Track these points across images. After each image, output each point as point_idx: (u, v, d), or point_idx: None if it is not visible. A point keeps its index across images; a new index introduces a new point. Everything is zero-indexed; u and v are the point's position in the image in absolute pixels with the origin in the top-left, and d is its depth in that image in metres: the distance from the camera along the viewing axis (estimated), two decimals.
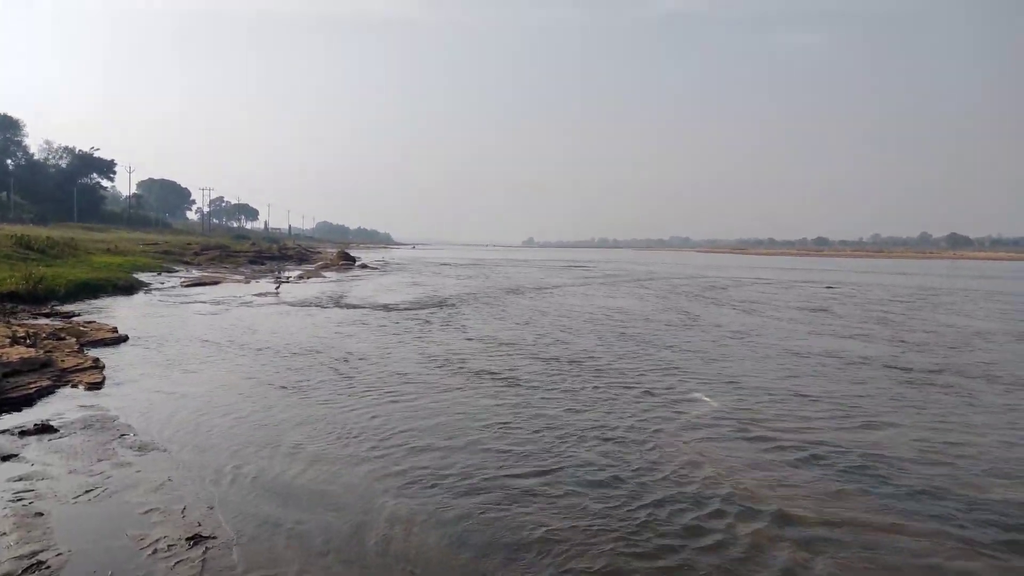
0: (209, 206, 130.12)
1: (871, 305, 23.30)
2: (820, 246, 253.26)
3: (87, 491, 5.11)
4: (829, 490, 5.49)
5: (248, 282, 28.75)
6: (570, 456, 6.19)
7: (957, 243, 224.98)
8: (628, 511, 4.98)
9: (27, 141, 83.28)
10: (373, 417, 7.37)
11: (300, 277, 33.41)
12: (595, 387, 9.09)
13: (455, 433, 6.85)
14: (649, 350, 12.30)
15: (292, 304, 19.64)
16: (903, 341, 14.15)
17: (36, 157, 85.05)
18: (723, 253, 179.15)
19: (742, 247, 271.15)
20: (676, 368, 10.61)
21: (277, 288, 25.99)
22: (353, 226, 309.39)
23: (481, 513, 4.91)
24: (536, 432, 6.93)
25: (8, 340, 9.62)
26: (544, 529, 4.66)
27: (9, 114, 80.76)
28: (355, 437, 6.64)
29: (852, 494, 5.41)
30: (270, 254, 50.51)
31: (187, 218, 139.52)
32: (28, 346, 9.50)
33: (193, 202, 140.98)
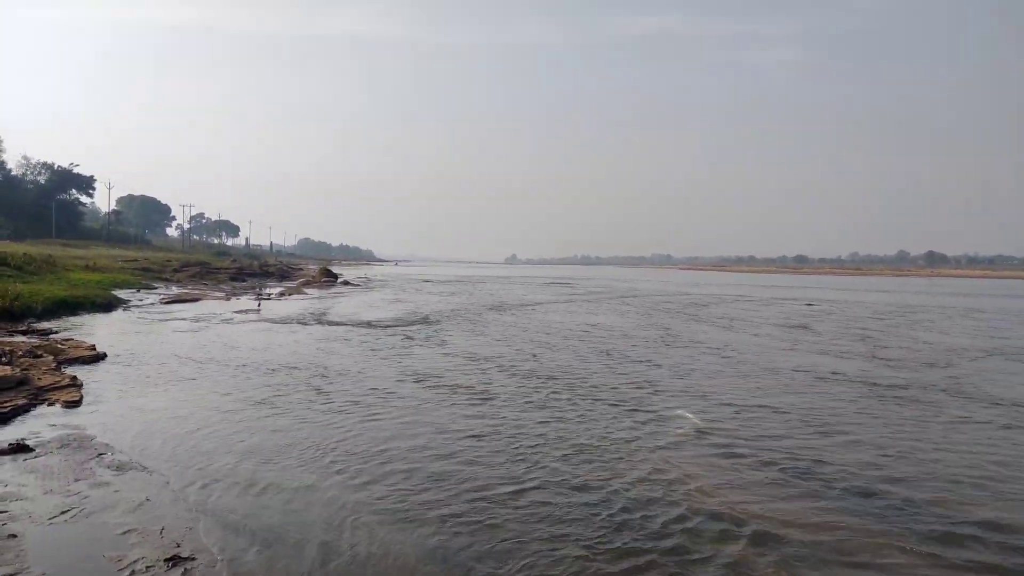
0: (189, 222, 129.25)
1: (850, 322, 23.57)
2: (800, 264, 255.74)
3: (63, 512, 5.02)
4: (810, 505, 5.53)
5: (229, 299, 28.52)
6: (549, 474, 6.19)
7: (934, 261, 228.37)
8: (607, 527, 4.99)
9: (4, 156, 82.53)
10: (355, 435, 7.33)
11: (282, 294, 33.20)
12: (577, 404, 9.11)
13: (434, 449, 6.83)
14: (631, 367, 12.35)
15: (274, 321, 19.50)
16: (880, 358, 14.33)
17: (14, 173, 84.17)
18: (704, 271, 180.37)
19: (723, 264, 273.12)
20: (659, 385, 10.66)
21: (258, 305, 25.82)
22: (335, 243, 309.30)
23: (457, 528, 4.89)
24: (514, 449, 6.92)
25: None
26: (519, 542, 4.65)
27: None
28: (336, 454, 6.60)
29: (833, 510, 5.46)
30: (251, 271, 50.22)
31: (167, 235, 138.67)
32: (3, 364, 9.36)
33: (173, 218, 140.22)
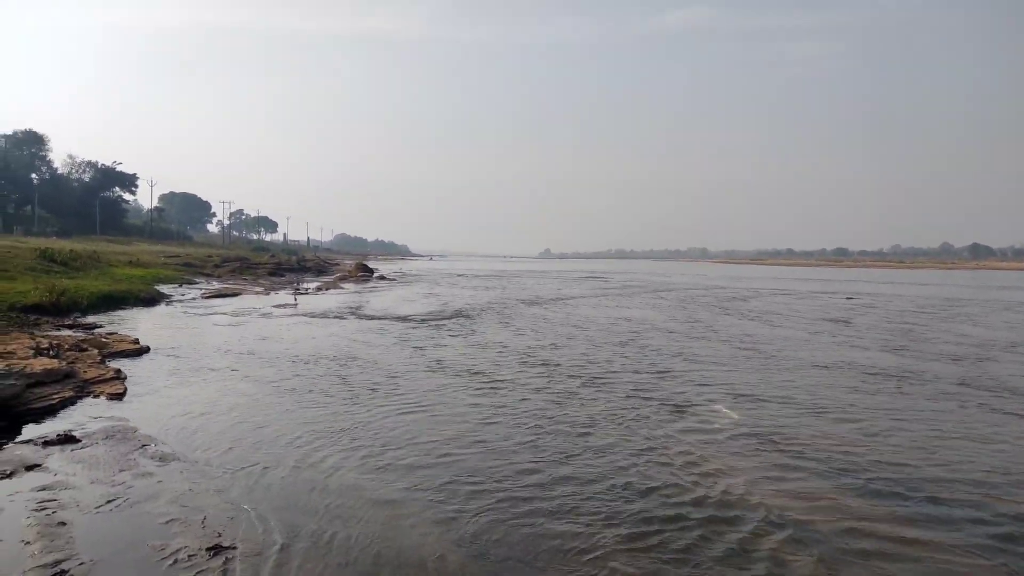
0: (229, 219, 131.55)
1: (892, 316, 23.01)
2: (840, 257, 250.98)
3: (109, 501, 5.14)
4: (849, 503, 5.41)
5: (267, 294, 28.97)
6: (590, 466, 6.15)
7: (979, 253, 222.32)
8: (652, 524, 4.94)
9: (51, 156, 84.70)
10: (392, 428, 7.38)
11: (319, 289, 33.61)
12: (615, 398, 9.04)
13: (475, 443, 6.84)
14: (669, 361, 12.22)
15: (311, 315, 19.74)
16: (924, 352, 13.96)
17: (60, 171, 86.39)
18: (741, 264, 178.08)
19: (760, 258, 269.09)
20: (696, 380, 10.53)
21: (295, 300, 26.17)
22: (371, 238, 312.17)
23: (504, 527, 4.88)
24: (554, 442, 6.90)
25: (31, 351, 9.75)
26: (562, 540, 4.63)
27: (35, 129, 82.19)
28: (378, 448, 6.64)
29: (871, 507, 5.33)
30: (289, 266, 50.88)
31: (208, 231, 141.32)
32: (51, 357, 9.61)
33: (214, 215, 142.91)
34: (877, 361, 12.65)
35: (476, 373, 10.73)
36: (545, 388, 9.66)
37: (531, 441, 6.98)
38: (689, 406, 8.67)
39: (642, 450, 6.72)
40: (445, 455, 6.47)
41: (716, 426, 7.71)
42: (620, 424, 7.70)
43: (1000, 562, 4.48)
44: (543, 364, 11.68)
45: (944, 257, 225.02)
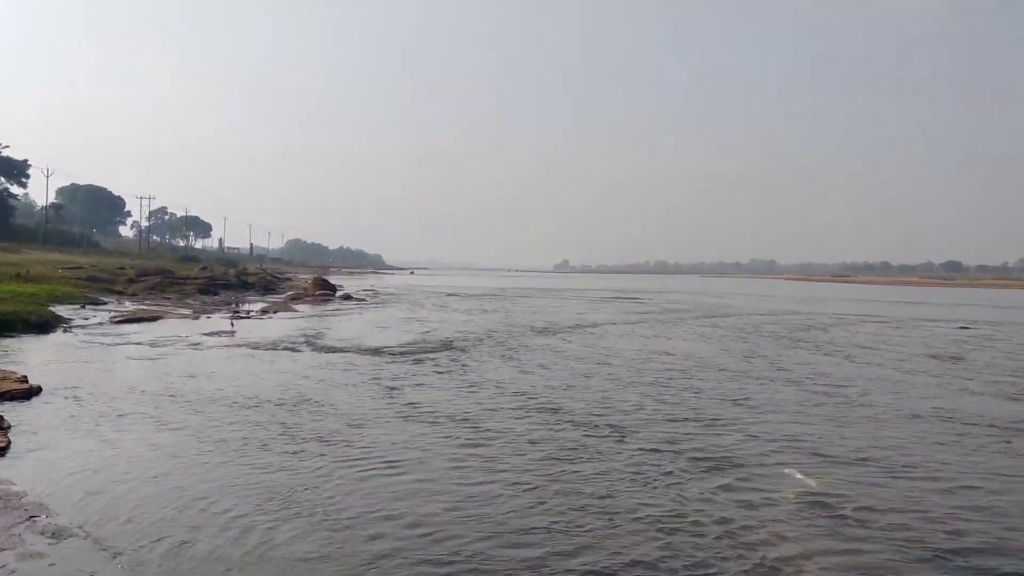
0: (149, 219, 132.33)
1: (1021, 352, 22.96)
2: (951, 272, 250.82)
3: None
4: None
5: (197, 317, 29.10)
6: (628, 553, 6.16)
7: None
8: None
9: None
10: (348, 493, 7.40)
11: (264, 312, 33.70)
12: (660, 458, 9.05)
13: (452, 512, 6.88)
14: (728, 410, 12.22)
15: (255, 346, 19.79)
16: None
17: None
18: (821, 281, 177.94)
19: (847, 273, 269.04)
20: (761, 434, 10.53)
21: (232, 325, 26.27)
22: (333, 245, 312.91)
23: None
24: (584, 519, 6.91)
25: None
26: None
27: None
28: (329, 519, 6.66)
29: None
30: (226, 281, 51.02)
31: (120, 235, 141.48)
32: None
33: (128, 214, 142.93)
34: (1005, 413, 12.61)
35: (462, 420, 10.77)
36: (554, 440, 9.68)
37: (526, 510, 7.01)
38: (753, 466, 8.67)
39: (689, 526, 6.74)
40: (412, 531, 6.49)
41: (786, 494, 7.72)
42: (668, 487, 7.71)
43: None
44: (553, 409, 11.71)
45: None
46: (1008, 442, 10.54)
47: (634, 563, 5.90)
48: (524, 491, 7.67)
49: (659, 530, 6.62)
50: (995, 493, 7.99)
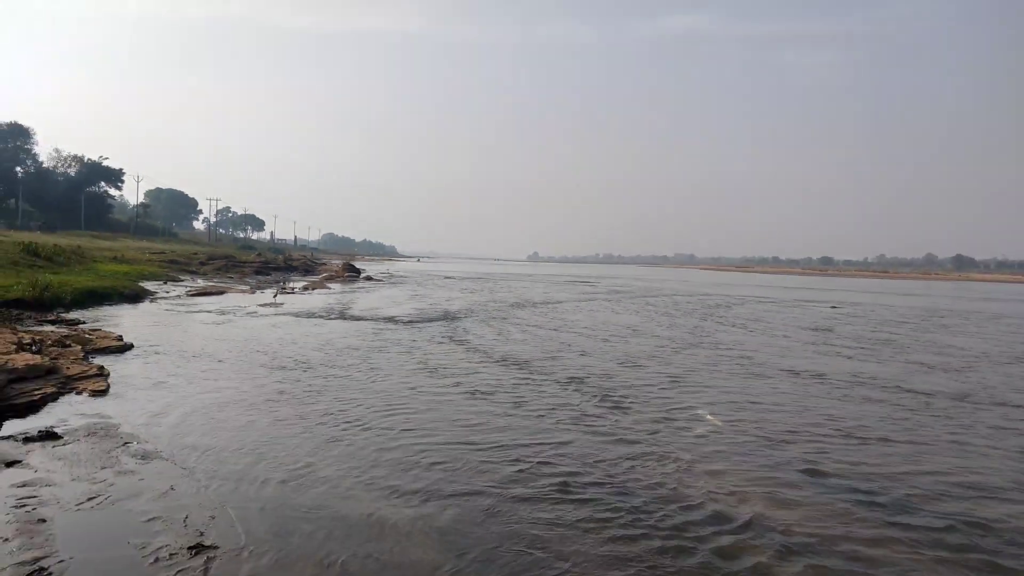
0: (216, 216, 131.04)
1: (876, 325, 23.25)
2: (825, 266, 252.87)
3: (90, 498, 5.12)
4: (829, 507, 5.48)
5: (253, 292, 28.82)
6: (569, 470, 6.19)
7: (962, 265, 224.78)
8: (632, 525, 4.99)
9: (36, 149, 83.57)
10: (375, 428, 7.39)
11: (305, 288, 33.49)
12: (598, 402, 9.09)
13: (453, 444, 6.87)
14: (651, 367, 12.29)
15: (297, 315, 19.67)
16: (908, 361, 14.14)
17: (45, 165, 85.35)
18: (727, 271, 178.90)
19: (747, 265, 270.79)
20: (678, 385, 10.61)
21: (275, 298, 26.08)
22: (359, 238, 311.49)
23: (482, 524, 4.91)
24: (535, 446, 6.94)
25: (14, 347, 9.66)
26: (544, 540, 4.67)
27: (19, 122, 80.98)
28: (359, 447, 6.66)
29: (852, 513, 5.40)
30: (276, 265, 50.70)
31: (194, 228, 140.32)
32: (33, 353, 9.54)
33: (200, 212, 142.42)
34: (861, 370, 12.78)
35: (463, 376, 10.77)
36: (518, 388, 9.72)
37: (514, 442, 7.03)
38: (672, 409, 8.75)
39: (625, 453, 6.78)
40: (424, 455, 6.49)
41: (698, 431, 7.79)
42: (607, 424, 7.76)
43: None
44: (523, 365, 11.74)
45: (928, 268, 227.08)
46: (852, 388, 10.85)
47: (581, 461, 5.98)
48: (502, 421, 7.69)
49: (601, 442, 6.70)
50: (852, 419, 8.11)
